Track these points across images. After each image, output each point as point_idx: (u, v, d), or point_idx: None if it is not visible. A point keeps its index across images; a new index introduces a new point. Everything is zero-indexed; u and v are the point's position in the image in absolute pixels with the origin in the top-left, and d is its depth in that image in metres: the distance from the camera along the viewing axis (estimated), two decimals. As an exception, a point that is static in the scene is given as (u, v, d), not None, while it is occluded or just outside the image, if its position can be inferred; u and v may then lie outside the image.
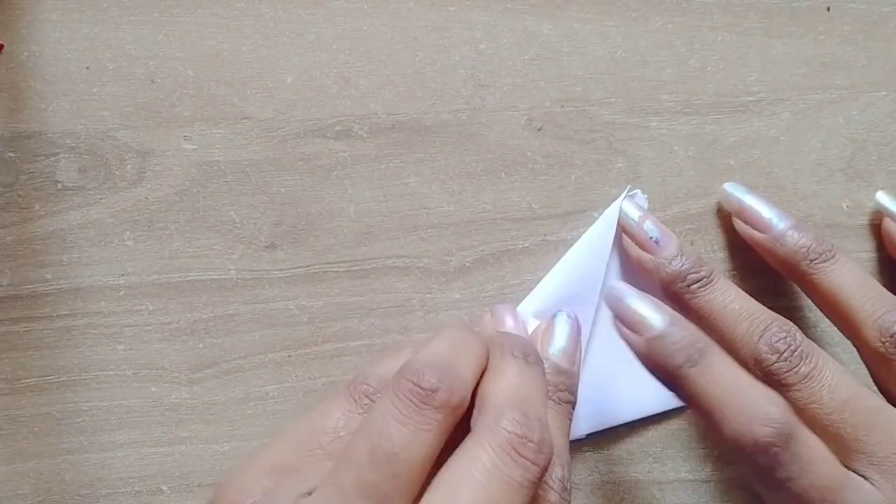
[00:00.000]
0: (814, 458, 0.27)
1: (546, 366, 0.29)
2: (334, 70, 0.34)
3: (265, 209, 0.33)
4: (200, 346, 0.33)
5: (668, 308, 0.30)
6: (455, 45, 0.34)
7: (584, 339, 0.32)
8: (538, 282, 0.34)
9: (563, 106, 0.34)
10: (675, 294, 0.31)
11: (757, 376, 0.28)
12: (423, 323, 0.34)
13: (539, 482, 0.23)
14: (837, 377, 0.28)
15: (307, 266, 0.33)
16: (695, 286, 0.30)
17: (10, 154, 0.32)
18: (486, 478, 0.22)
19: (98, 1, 0.33)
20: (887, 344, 0.29)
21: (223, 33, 0.33)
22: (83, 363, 0.33)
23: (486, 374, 0.26)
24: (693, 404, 0.28)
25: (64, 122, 0.33)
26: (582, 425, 0.33)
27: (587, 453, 0.34)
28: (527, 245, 0.34)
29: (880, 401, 0.28)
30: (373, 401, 0.26)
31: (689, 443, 0.34)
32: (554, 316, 0.31)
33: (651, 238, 0.32)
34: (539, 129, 0.34)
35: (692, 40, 0.35)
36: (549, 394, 0.28)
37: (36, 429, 0.32)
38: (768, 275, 0.35)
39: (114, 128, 0.33)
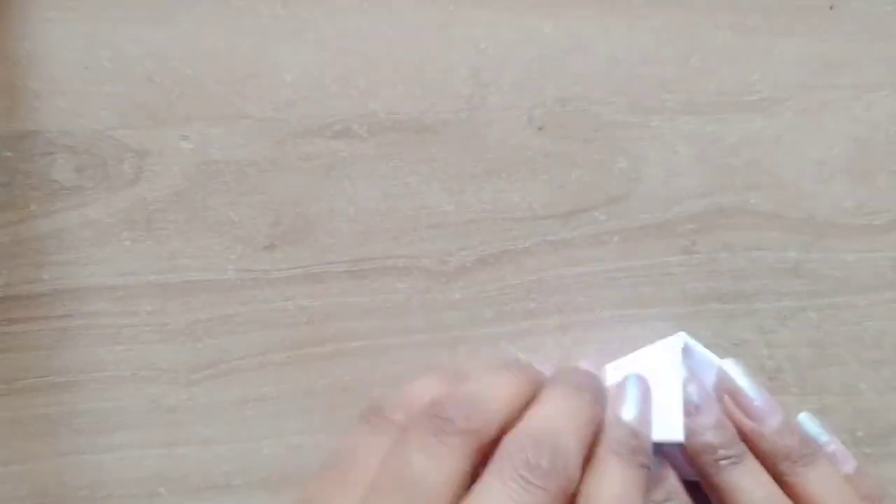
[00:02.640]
0: None
1: (621, 428, 0.29)
2: (334, 69, 0.33)
3: (264, 209, 0.33)
4: (199, 346, 0.33)
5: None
6: (455, 44, 0.34)
7: None
8: (538, 282, 0.34)
9: (564, 105, 0.34)
10: (701, 465, 0.30)
11: None
12: (424, 323, 0.33)
13: None
14: None
15: (306, 266, 0.33)
16: (723, 462, 0.30)
17: (6, 153, 0.32)
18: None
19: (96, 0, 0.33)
20: None
21: (222, 32, 0.33)
22: (81, 364, 0.32)
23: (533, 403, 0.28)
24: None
25: (61, 122, 0.32)
26: None
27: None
28: (527, 245, 0.34)
29: None
30: (391, 421, 0.27)
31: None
32: (624, 380, 0.31)
33: (691, 402, 0.31)
34: (540, 129, 0.34)
35: (694, 39, 0.35)
36: (625, 456, 0.28)
37: (33, 430, 0.32)
38: (769, 275, 0.35)
39: (111, 127, 0.33)
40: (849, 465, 0.31)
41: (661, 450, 0.32)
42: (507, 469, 0.24)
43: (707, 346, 0.34)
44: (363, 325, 0.33)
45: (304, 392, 0.33)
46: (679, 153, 0.35)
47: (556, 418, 0.27)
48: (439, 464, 0.24)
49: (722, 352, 0.34)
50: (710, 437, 0.30)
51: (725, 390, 0.32)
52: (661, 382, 0.32)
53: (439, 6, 0.34)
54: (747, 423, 0.31)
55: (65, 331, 0.32)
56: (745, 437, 0.31)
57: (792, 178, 0.35)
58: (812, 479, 0.30)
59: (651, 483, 0.30)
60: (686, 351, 0.33)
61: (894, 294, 0.35)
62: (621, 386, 0.31)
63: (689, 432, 0.30)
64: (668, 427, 0.32)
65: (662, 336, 0.33)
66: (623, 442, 0.28)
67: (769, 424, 0.30)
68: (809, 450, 0.30)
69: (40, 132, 0.32)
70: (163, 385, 0.33)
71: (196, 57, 0.33)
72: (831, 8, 0.35)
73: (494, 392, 0.27)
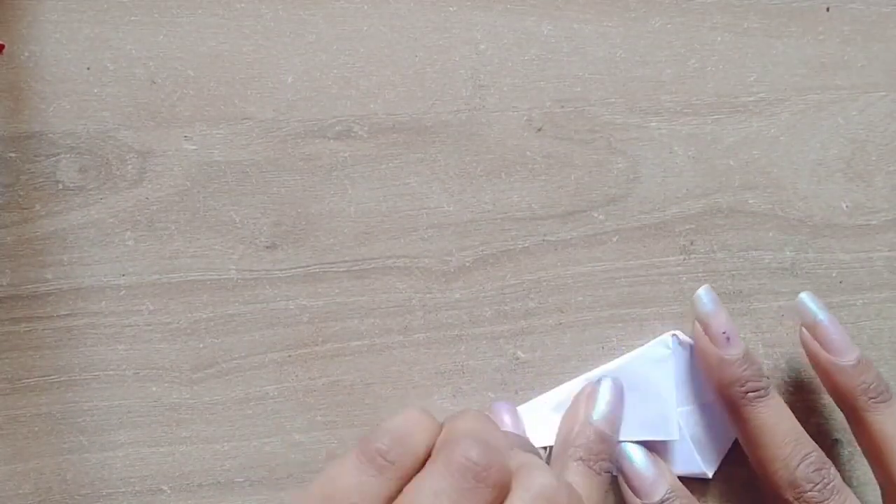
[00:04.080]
0: None
1: (588, 432, 0.29)
2: (334, 70, 0.34)
3: (265, 209, 0.33)
4: (201, 345, 0.33)
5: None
6: (455, 45, 0.34)
7: None
8: (538, 282, 0.34)
9: (562, 106, 0.34)
10: (729, 396, 0.31)
11: (786, 499, 0.30)
12: (424, 323, 0.34)
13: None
14: None
15: (307, 266, 0.33)
16: (752, 395, 0.31)
17: (10, 154, 0.32)
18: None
19: (98, 1, 0.33)
20: None
21: (223, 34, 0.33)
22: (84, 363, 0.33)
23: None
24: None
25: (65, 123, 0.33)
26: None
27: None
28: (527, 245, 0.34)
29: None
30: (387, 461, 0.24)
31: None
32: (598, 381, 0.31)
33: (723, 332, 0.31)
34: (539, 130, 0.34)
35: (692, 41, 0.35)
36: (591, 462, 0.28)
37: (36, 428, 0.32)
38: (766, 275, 0.35)
39: (114, 128, 0.33)
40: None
41: (657, 447, 0.32)
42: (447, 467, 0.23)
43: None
44: (363, 325, 0.33)
45: (305, 391, 0.33)
46: (677, 154, 0.35)
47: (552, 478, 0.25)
48: None
49: (719, 351, 0.34)
50: (738, 368, 0.31)
51: (804, 323, 0.32)
52: (653, 381, 0.32)
53: (439, 8, 0.34)
54: (824, 356, 0.31)
55: (68, 330, 0.33)
56: (822, 370, 0.32)
57: (789, 178, 0.35)
58: (887, 416, 0.30)
59: (651, 483, 0.30)
60: (681, 347, 0.33)
61: (890, 294, 0.35)
62: (594, 387, 0.31)
63: (719, 362, 0.31)
64: (661, 427, 0.32)
65: (660, 335, 0.34)
66: (588, 446, 0.28)
67: (848, 359, 0.31)
68: (885, 386, 0.31)
69: (44, 133, 0.33)
70: (165, 384, 0.33)
71: (198, 58, 0.33)
72: (828, 9, 0.35)
73: (496, 435, 0.25)
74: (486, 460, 0.23)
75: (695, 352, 0.33)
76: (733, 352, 0.31)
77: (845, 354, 0.31)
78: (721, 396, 0.32)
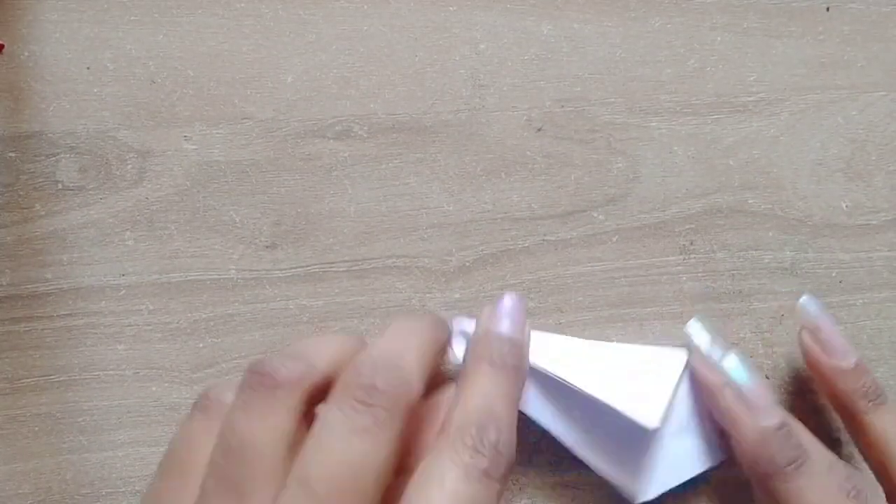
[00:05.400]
0: None
1: (492, 336, 0.28)
2: (334, 70, 0.34)
3: (265, 209, 0.33)
4: (201, 345, 0.33)
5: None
6: (455, 45, 0.34)
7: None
8: (538, 282, 0.34)
9: (562, 106, 0.34)
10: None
11: None
12: (423, 323, 0.34)
13: (498, 492, 0.24)
14: None
15: (307, 266, 0.33)
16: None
17: (10, 154, 0.32)
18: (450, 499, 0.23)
19: (98, 1, 0.33)
20: None
21: (223, 33, 0.33)
22: (84, 363, 0.33)
23: (459, 380, 0.27)
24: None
25: (64, 123, 0.33)
26: (651, 488, 0.32)
27: (587, 453, 0.34)
28: (527, 245, 0.34)
29: None
30: (222, 403, 0.25)
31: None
32: (501, 295, 0.30)
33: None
34: (539, 129, 0.34)
35: (691, 41, 0.35)
36: (496, 359, 0.27)
37: (36, 428, 0.32)
38: (766, 275, 0.35)
39: (114, 128, 0.33)
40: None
41: (644, 448, 0.32)
42: (344, 398, 0.23)
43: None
44: (363, 325, 0.33)
45: (305, 391, 0.33)
46: (677, 154, 0.35)
47: (393, 343, 0.25)
48: (264, 422, 0.23)
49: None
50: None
51: (804, 326, 0.32)
52: (652, 379, 0.32)
53: (439, 8, 0.34)
54: (825, 360, 0.31)
55: (68, 330, 0.33)
56: (822, 374, 0.32)
57: (789, 178, 0.35)
58: (887, 419, 0.30)
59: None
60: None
61: (890, 294, 0.35)
62: (494, 303, 0.30)
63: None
64: (643, 412, 0.31)
65: (660, 335, 0.34)
66: (494, 347, 0.28)
67: (847, 362, 0.31)
68: (881, 389, 0.31)
69: (44, 133, 0.33)
70: (165, 384, 0.33)
71: (198, 58, 0.33)
72: (828, 9, 0.35)
73: (315, 346, 0.25)
74: (370, 381, 0.23)
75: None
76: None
77: (845, 358, 0.31)
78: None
